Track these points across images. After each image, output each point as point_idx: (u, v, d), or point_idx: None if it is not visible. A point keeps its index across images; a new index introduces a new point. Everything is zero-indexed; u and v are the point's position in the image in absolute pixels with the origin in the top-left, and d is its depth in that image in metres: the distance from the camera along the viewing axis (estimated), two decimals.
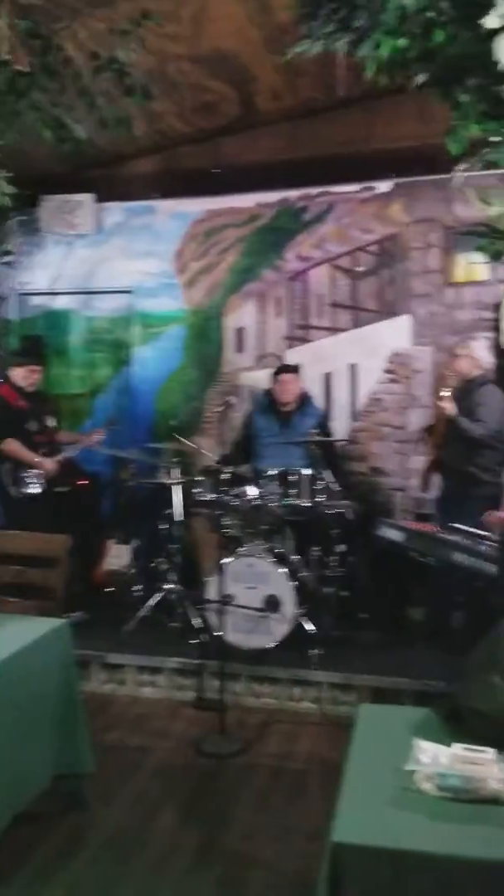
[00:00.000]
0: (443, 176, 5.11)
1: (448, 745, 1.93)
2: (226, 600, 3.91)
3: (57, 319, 6.04)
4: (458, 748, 1.89)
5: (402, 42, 2.46)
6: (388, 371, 5.35)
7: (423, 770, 1.87)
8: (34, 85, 3.27)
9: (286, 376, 4.93)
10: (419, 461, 5.21)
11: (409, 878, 1.63)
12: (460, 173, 3.45)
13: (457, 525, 3.60)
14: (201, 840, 2.96)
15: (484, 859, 1.62)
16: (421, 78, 3.21)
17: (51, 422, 5.06)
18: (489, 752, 1.87)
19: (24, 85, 3.20)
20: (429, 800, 1.82)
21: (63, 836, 2.95)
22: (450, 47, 2.52)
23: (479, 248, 4.65)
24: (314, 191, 5.40)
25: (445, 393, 4.28)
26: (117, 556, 5.25)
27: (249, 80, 4.63)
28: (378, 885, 1.65)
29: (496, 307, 5.09)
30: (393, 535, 3.40)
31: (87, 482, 5.49)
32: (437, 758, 1.89)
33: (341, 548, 4.58)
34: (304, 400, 5.01)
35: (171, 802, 3.23)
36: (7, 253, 5.55)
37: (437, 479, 4.70)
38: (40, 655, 2.90)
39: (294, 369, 5.02)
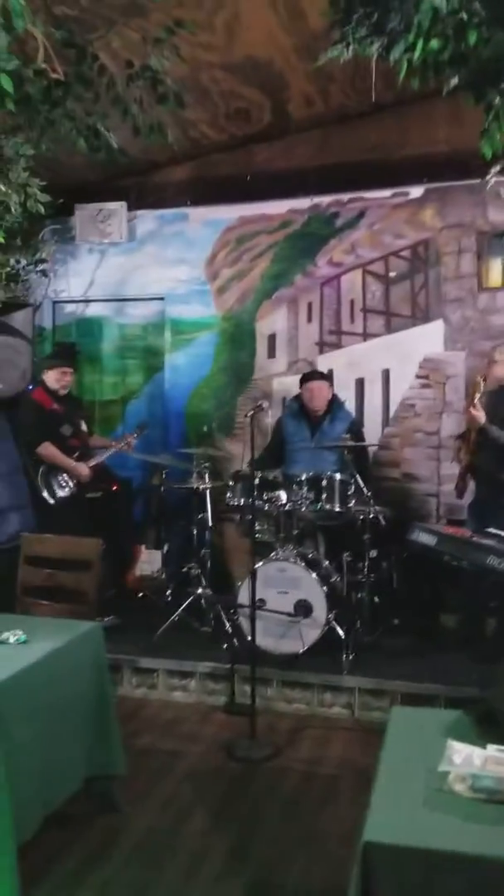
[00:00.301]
0: (475, 181, 5.11)
1: (482, 747, 1.91)
2: (257, 605, 3.90)
3: (90, 327, 6.12)
4: (492, 749, 1.87)
5: (434, 43, 2.46)
6: (421, 376, 5.32)
7: (456, 771, 1.85)
8: (69, 94, 3.32)
9: (314, 383, 4.91)
10: (452, 467, 5.17)
11: (441, 879, 1.61)
12: (494, 176, 3.44)
13: (491, 530, 3.55)
14: (232, 845, 2.95)
15: None
16: (454, 81, 3.22)
17: (83, 426, 5.12)
18: None
19: (59, 94, 3.25)
20: (461, 801, 1.80)
21: (95, 839, 2.96)
22: (483, 49, 2.51)
23: None
24: (346, 197, 5.41)
25: (477, 401, 4.23)
26: (149, 561, 5.30)
27: (282, 88, 4.66)
28: (409, 884, 1.62)
29: None
30: (425, 538, 3.34)
31: (118, 487, 5.53)
32: (470, 759, 1.86)
33: (373, 553, 4.55)
34: (335, 405, 4.99)
35: (202, 806, 3.22)
36: (41, 261, 5.66)
37: (471, 486, 4.65)
38: (73, 657, 2.92)
39: (322, 376, 5.01)
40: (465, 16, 2.39)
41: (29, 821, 2.61)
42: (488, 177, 3.38)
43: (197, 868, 2.80)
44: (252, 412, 3.90)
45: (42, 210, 4.02)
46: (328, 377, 5.06)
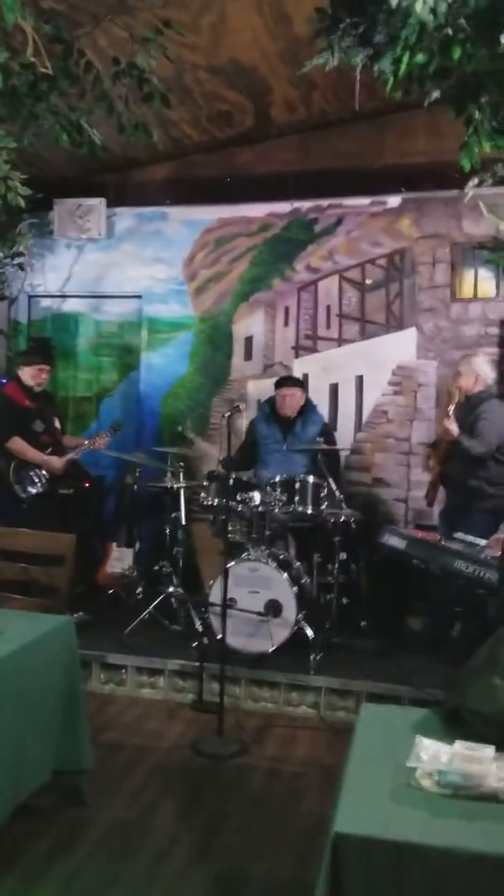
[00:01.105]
0: (452, 192, 5.21)
1: (449, 743, 1.96)
2: (228, 604, 3.93)
3: (65, 322, 6.10)
4: (458, 746, 1.92)
5: (420, 58, 2.52)
6: (394, 383, 5.40)
7: (423, 767, 1.90)
8: (54, 89, 3.32)
9: (287, 390, 4.94)
10: (421, 473, 5.26)
11: (409, 870, 1.66)
12: (471, 188, 3.52)
13: (459, 535, 3.64)
14: (198, 838, 2.98)
15: (483, 853, 1.64)
16: (435, 94, 3.29)
17: (56, 423, 5.11)
18: (489, 750, 1.90)
19: (44, 88, 3.26)
20: (429, 796, 1.85)
21: (61, 831, 2.96)
22: (467, 64, 2.57)
23: (489, 262, 4.73)
24: (325, 203, 5.47)
25: (451, 412, 4.32)
26: (119, 559, 5.29)
27: (265, 92, 4.71)
28: (377, 875, 1.67)
29: (502, 323, 5.16)
30: (395, 542, 3.44)
31: (90, 484, 5.53)
32: (437, 755, 1.92)
33: (343, 556, 4.61)
34: (308, 408, 5.05)
35: (169, 801, 3.25)
36: (18, 255, 5.63)
37: (441, 494, 4.73)
38: (46, 651, 2.93)
39: (296, 383, 5.03)
40: (450, 31, 2.45)
41: None
42: (466, 188, 3.47)
43: (163, 860, 2.82)
44: (230, 413, 3.94)
45: (22, 204, 4.01)
46: (303, 383, 5.09)
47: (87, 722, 3.15)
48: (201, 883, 2.70)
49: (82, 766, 3.10)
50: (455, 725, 2.21)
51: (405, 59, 2.51)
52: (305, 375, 5.51)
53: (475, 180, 3.46)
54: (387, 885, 1.66)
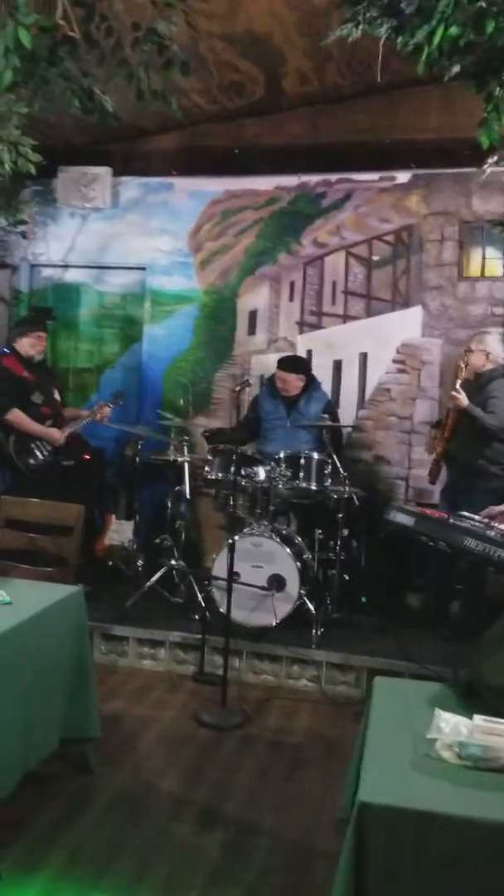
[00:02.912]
0: (462, 170, 5.18)
1: (467, 716, 1.99)
2: (232, 578, 3.95)
3: (67, 292, 6.04)
4: (478, 719, 1.95)
5: (454, 30, 2.49)
6: (398, 361, 5.39)
7: (443, 739, 1.93)
8: (74, 53, 3.26)
9: (286, 375, 4.89)
10: (422, 452, 5.27)
11: (431, 839, 1.69)
12: (490, 166, 3.50)
13: (464, 513, 3.64)
14: (205, 807, 3.02)
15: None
16: (455, 69, 3.25)
17: (56, 395, 5.08)
18: None
19: (65, 52, 3.19)
20: (449, 767, 1.88)
21: (69, 798, 3.00)
22: (498, 38, 2.54)
23: None
24: (334, 177, 5.41)
25: (459, 384, 4.33)
26: (118, 531, 5.30)
27: (279, 63, 4.64)
28: (401, 843, 1.70)
29: None
30: (403, 519, 3.42)
31: (90, 456, 5.50)
32: (457, 728, 1.94)
33: (344, 532, 4.63)
34: (312, 385, 5.03)
35: (174, 770, 3.28)
36: (21, 222, 5.56)
37: (443, 472, 4.74)
38: (56, 620, 2.94)
39: (293, 368, 4.93)
40: (484, 3, 2.42)
41: (8, 778, 2.64)
42: (485, 166, 3.44)
43: (170, 828, 2.86)
44: (239, 387, 3.93)
45: (32, 170, 3.95)
46: (302, 368, 5.02)
47: (95, 691, 3.17)
48: (208, 851, 2.73)
49: (90, 735, 3.13)
50: (470, 699, 2.24)
51: (439, 31, 2.47)
52: (309, 351, 5.49)
53: (494, 158, 3.43)
54: (409, 854, 1.69)
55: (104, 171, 5.65)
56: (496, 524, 3.36)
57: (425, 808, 1.71)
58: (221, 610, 4.19)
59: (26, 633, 2.73)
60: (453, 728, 1.95)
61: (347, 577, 4.72)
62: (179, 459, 4.90)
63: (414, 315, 5.35)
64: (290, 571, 4.19)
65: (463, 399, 4.29)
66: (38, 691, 2.81)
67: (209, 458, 4.62)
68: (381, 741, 2.00)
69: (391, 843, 1.70)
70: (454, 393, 4.32)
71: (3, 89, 3.05)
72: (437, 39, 2.51)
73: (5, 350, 5.01)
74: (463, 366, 4.39)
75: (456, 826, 1.69)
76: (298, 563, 4.23)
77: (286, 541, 4.33)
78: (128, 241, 5.80)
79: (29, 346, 4.90)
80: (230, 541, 3.95)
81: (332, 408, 5.09)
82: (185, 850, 2.74)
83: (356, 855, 1.71)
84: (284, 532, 4.48)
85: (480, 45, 3.01)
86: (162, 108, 3.58)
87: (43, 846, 2.70)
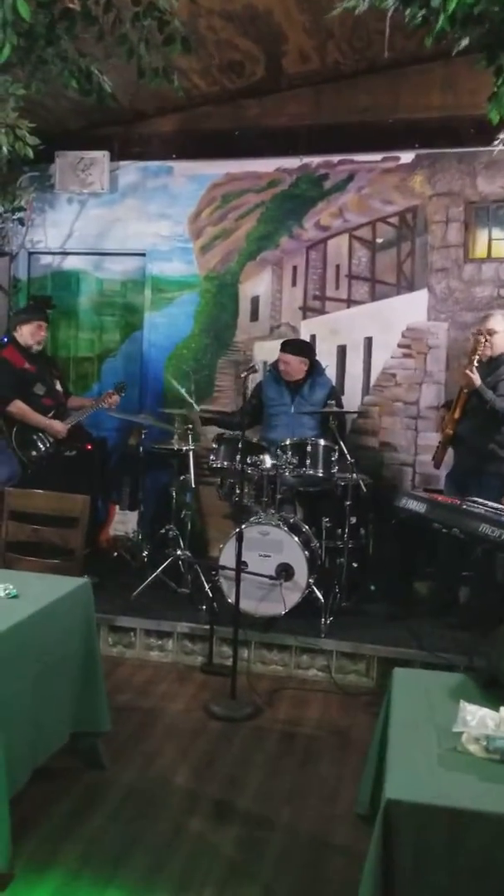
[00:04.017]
0: (467, 149, 5.09)
1: (493, 709, 1.93)
2: (240, 567, 3.88)
3: (66, 280, 5.95)
4: None
5: None
6: (403, 346, 5.32)
7: (470, 732, 1.87)
8: (73, 30, 3.17)
9: (288, 357, 4.81)
10: (429, 437, 5.21)
11: (463, 836, 1.64)
12: (501, 142, 3.41)
13: (475, 499, 3.59)
14: (218, 801, 2.97)
15: None
16: (464, 42, 3.16)
17: (58, 386, 5.00)
18: None
19: (63, 29, 3.10)
20: (477, 761, 1.83)
21: (81, 793, 2.95)
22: None
23: None
24: (336, 158, 5.31)
25: (474, 362, 4.25)
26: (123, 522, 5.24)
27: (279, 40, 4.54)
28: (431, 842, 1.65)
29: None
30: (415, 506, 3.38)
31: (92, 447, 5.43)
32: (483, 720, 1.89)
33: (352, 520, 4.57)
34: (316, 371, 4.95)
35: (185, 763, 3.23)
36: (19, 209, 5.47)
37: (448, 457, 4.68)
38: (63, 613, 2.88)
39: (295, 350, 4.84)
40: None
41: (19, 773, 2.58)
42: (495, 142, 3.36)
43: (183, 823, 2.81)
44: (245, 373, 3.86)
45: (30, 154, 3.87)
46: (304, 349, 4.93)
47: (104, 684, 3.11)
48: (223, 846, 2.68)
49: (100, 729, 3.08)
50: (492, 690, 2.19)
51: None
52: (313, 337, 5.41)
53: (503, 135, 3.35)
54: (440, 852, 1.64)
55: (102, 156, 5.55)
56: None
57: (456, 805, 1.66)
58: (229, 600, 4.13)
59: (34, 627, 2.67)
60: (479, 721, 1.89)
61: (356, 565, 4.66)
62: (184, 448, 4.83)
63: (419, 298, 5.27)
64: (298, 560, 4.13)
65: (476, 379, 4.21)
66: (48, 685, 2.75)
67: (214, 446, 4.54)
68: (405, 735, 1.95)
69: (420, 841, 1.65)
70: (468, 372, 4.24)
71: (2, 61, 2.96)
72: (451, 6, 2.42)
73: (4, 339, 4.93)
74: (483, 341, 4.29)
75: (488, 823, 1.64)
76: (307, 552, 4.17)
77: (294, 529, 4.26)
78: (127, 226, 5.71)
79: (29, 335, 4.81)
80: (238, 530, 3.88)
81: (335, 394, 5.02)
82: (200, 845, 2.69)
83: (384, 854, 1.65)
84: (292, 521, 4.42)
85: (491, 18, 2.93)
86: (163, 86, 3.49)
87: (55, 843, 2.65)
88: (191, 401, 5.09)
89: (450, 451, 4.61)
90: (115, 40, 3.30)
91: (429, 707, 2.09)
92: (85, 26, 3.23)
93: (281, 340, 5.17)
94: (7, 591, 2.79)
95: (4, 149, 3.69)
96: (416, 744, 1.89)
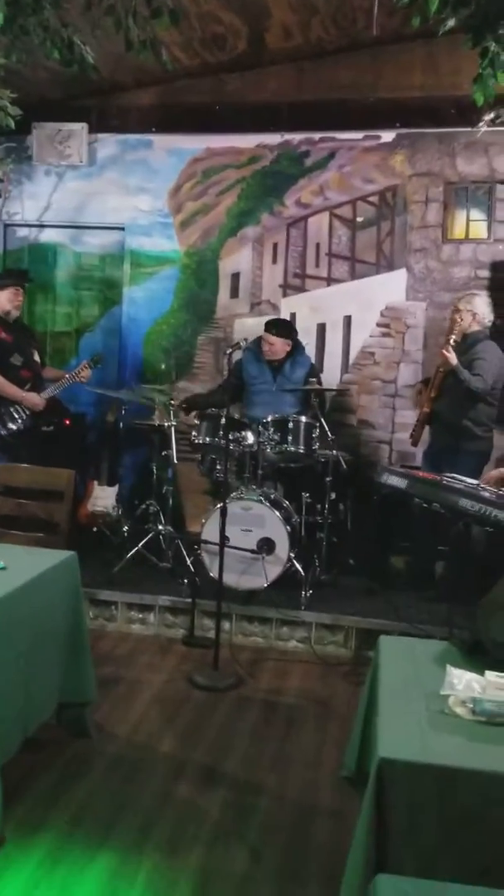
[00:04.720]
0: (447, 129, 5.13)
1: (478, 673, 2.01)
2: (222, 542, 3.94)
3: (44, 253, 5.90)
4: (491, 676, 1.97)
5: None
6: (382, 325, 5.37)
7: (457, 695, 1.95)
8: (57, 2, 3.14)
9: (273, 338, 4.85)
10: (406, 415, 5.29)
11: (452, 793, 1.71)
12: (486, 123, 3.46)
13: (454, 475, 3.67)
14: (203, 767, 3.04)
15: None
16: (451, 22, 3.20)
17: (36, 356, 4.98)
18: None
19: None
20: (464, 722, 1.90)
21: (69, 761, 2.99)
22: None
23: None
24: (317, 136, 5.32)
25: (451, 341, 4.32)
26: (101, 497, 5.24)
27: (263, 15, 4.52)
28: (421, 799, 1.72)
29: (493, 266, 5.14)
30: (396, 481, 3.44)
31: (70, 421, 5.42)
32: (470, 684, 1.97)
33: (332, 496, 4.65)
34: (296, 349, 4.99)
35: (170, 732, 3.29)
36: None
37: (427, 434, 4.76)
38: (51, 585, 2.90)
39: (280, 333, 4.88)
40: None
41: (9, 743, 2.62)
42: (480, 124, 3.40)
43: (171, 789, 2.87)
44: (231, 350, 3.88)
45: (12, 124, 3.83)
46: (291, 332, 4.97)
47: (90, 654, 3.15)
48: (210, 811, 2.75)
49: (87, 698, 3.12)
50: (475, 656, 2.27)
51: None
52: (293, 314, 5.45)
53: (490, 115, 3.39)
54: (430, 807, 1.71)
55: (80, 128, 5.50)
56: (490, 487, 3.39)
57: (444, 763, 1.73)
58: (211, 574, 4.19)
59: (24, 598, 2.69)
60: (466, 684, 1.97)
61: (335, 540, 4.74)
62: (166, 424, 4.85)
63: (398, 278, 5.32)
64: (279, 534, 4.20)
65: (453, 358, 4.29)
66: (37, 655, 2.79)
67: (196, 422, 4.57)
68: (394, 699, 2.02)
69: (412, 798, 1.72)
70: (445, 351, 4.32)
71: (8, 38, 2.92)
72: None
73: None
74: (459, 321, 4.38)
75: (475, 780, 1.71)
76: (288, 527, 4.23)
77: (275, 505, 4.32)
78: (105, 200, 5.67)
79: (6, 300, 4.76)
80: (221, 505, 3.93)
81: (315, 372, 5.07)
82: (188, 809, 2.76)
83: (376, 810, 1.72)
84: (273, 496, 4.48)
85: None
86: (150, 60, 3.46)
87: (45, 809, 2.69)
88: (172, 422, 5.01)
89: (427, 429, 4.71)
90: (103, 11, 3.27)
91: (415, 672, 2.17)
92: None
93: (261, 318, 5.21)
94: None
95: None
96: (405, 707, 1.97)
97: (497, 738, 1.84)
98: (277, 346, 4.85)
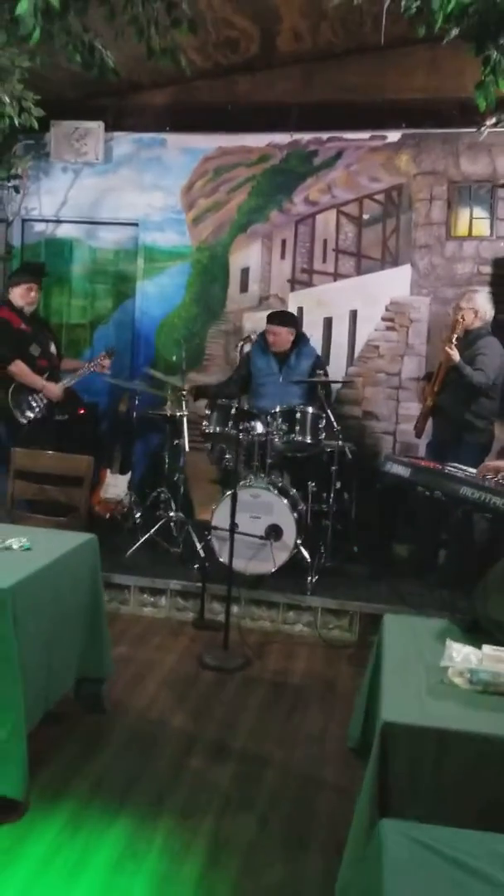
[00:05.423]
0: (451, 130, 5.26)
1: (476, 647, 2.17)
2: (232, 528, 4.09)
3: (60, 247, 6.05)
4: (488, 649, 2.13)
5: None
6: (386, 319, 5.52)
7: (455, 666, 2.11)
8: (84, 11, 3.27)
9: (276, 328, 4.98)
10: (410, 407, 5.44)
11: (449, 754, 1.87)
12: (488, 127, 3.59)
13: (455, 465, 3.82)
14: (214, 742, 3.19)
15: None
16: (454, 31, 3.33)
17: (52, 348, 5.14)
18: None
19: (77, 9, 3.21)
20: (461, 691, 2.07)
21: (86, 735, 3.16)
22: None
23: None
24: (325, 135, 5.46)
25: (453, 339, 4.46)
26: (114, 485, 5.40)
27: (274, 20, 4.65)
28: (421, 759, 1.88)
29: (495, 262, 5.28)
30: (399, 470, 3.60)
31: (85, 411, 5.58)
32: (468, 657, 2.13)
33: (337, 485, 4.80)
34: (301, 341, 5.14)
35: (182, 709, 3.45)
36: (15, 177, 5.54)
37: (429, 426, 4.91)
38: (74, 565, 3.07)
39: (283, 321, 5.02)
40: None
41: (33, 715, 2.78)
42: (483, 128, 3.53)
43: (183, 762, 3.03)
44: (242, 343, 4.03)
45: (35, 125, 3.97)
46: (291, 321, 5.12)
47: (108, 632, 3.32)
48: (221, 782, 2.91)
49: (104, 674, 3.28)
50: (473, 633, 2.43)
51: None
52: (300, 309, 5.59)
53: (493, 119, 3.53)
54: (429, 768, 1.88)
55: (97, 126, 5.64)
56: (489, 476, 3.55)
57: (442, 726, 1.89)
58: (220, 559, 4.35)
59: (48, 577, 2.85)
60: (464, 657, 2.13)
61: (340, 528, 4.90)
62: (178, 414, 5.01)
63: (403, 273, 5.46)
64: (287, 522, 4.36)
65: (455, 355, 4.43)
66: (60, 631, 2.95)
67: (207, 412, 4.72)
68: (397, 670, 2.18)
69: (413, 758, 1.88)
70: (447, 349, 4.46)
71: (33, 44, 3.07)
72: (450, 6, 2.58)
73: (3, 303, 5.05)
74: (461, 320, 4.52)
75: (471, 742, 1.87)
76: (295, 514, 4.39)
77: (283, 492, 4.48)
78: (120, 196, 5.81)
79: (19, 296, 4.93)
80: (231, 492, 4.08)
81: (320, 363, 5.21)
82: (199, 780, 2.91)
83: (380, 769, 1.88)
84: (280, 484, 4.63)
85: (478, 10, 3.10)
86: (171, 65, 3.60)
87: (66, 778, 2.85)
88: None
89: (430, 421, 4.86)
90: (127, 20, 3.41)
91: (417, 647, 2.33)
92: (97, 5, 3.33)
93: (269, 311, 5.34)
94: (21, 545, 2.97)
95: (15, 120, 3.78)
96: (408, 677, 2.13)
97: (491, 705, 2.00)
98: (282, 336, 4.99)
